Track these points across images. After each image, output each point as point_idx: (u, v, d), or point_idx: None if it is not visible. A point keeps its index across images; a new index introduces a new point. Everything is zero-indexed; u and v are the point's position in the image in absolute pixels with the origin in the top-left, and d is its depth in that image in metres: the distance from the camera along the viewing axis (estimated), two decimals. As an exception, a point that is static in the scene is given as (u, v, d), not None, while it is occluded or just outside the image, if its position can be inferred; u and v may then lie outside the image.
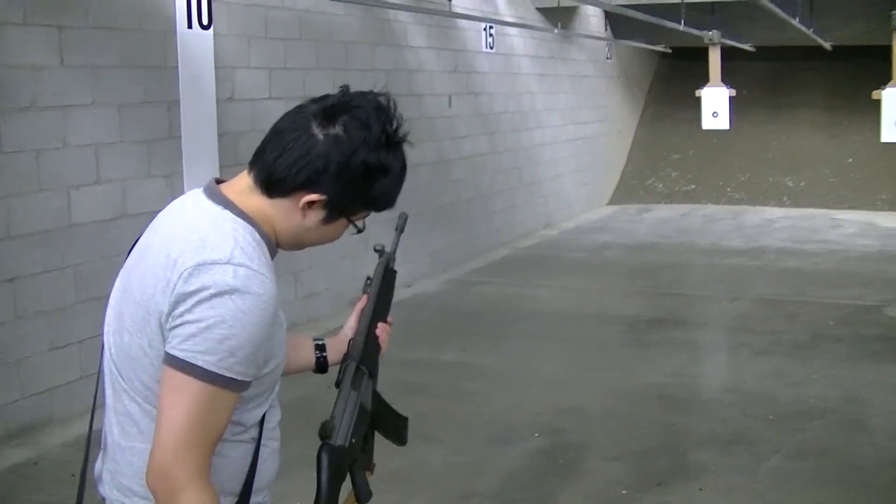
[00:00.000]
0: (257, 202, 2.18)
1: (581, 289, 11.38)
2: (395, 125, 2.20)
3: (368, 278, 2.64)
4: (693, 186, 19.05)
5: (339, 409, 2.36)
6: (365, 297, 2.61)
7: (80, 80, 6.86)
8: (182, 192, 2.20)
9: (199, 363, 2.00)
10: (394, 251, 2.71)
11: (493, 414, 7.01)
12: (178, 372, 2.01)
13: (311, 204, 2.16)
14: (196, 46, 7.84)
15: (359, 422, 2.38)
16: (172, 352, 2.02)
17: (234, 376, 2.03)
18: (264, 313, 2.05)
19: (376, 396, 2.47)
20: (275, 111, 2.29)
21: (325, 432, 2.31)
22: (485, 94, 13.22)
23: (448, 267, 12.13)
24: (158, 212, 2.27)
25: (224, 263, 2.04)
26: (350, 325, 2.61)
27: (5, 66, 6.33)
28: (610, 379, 7.84)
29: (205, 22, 7.88)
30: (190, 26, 7.76)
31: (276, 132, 2.19)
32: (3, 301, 6.41)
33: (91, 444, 2.36)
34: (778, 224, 16.11)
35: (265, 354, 2.11)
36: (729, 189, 18.81)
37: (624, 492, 5.70)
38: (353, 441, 2.34)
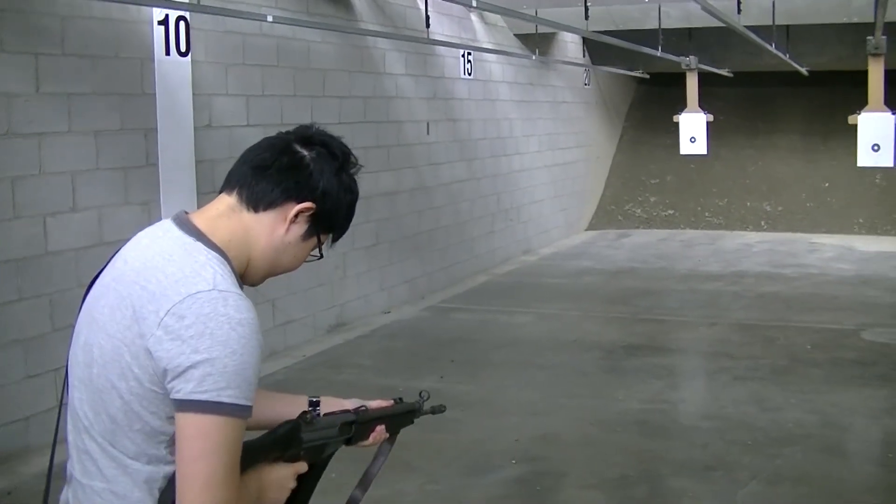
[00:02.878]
0: (238, 222, 2.22)
1: (559, 315, 11.38)
2: (353, 157, 2.35)
3: (400, 399, 2.73)
4: (671, 212, 19.11)
5: (322, 423, 2.40)
6: (391, 403, 2.69)
7: (57, 108, 6.85)
8: (159, 220, 2.20)
9: (225, 399, 2.00)
10: (420, 411, 2.79)
11: (470, 442, 6.99)
12: (206, 415, 1.99)
13: (298, 215, 2.24)
14: (174, 74, 7.84)
15: (314, 450, 2.37)
16: (194, 396, 1.99)
17: (251, 404, 2.05)
18: (258, 335, 2.07)
19: (326, 460, 2.46)
20: (252, 138, 2.33)
21: (304, 418, 2.33)
22: (463, 121, 13.25)
23: (426, 294, 12.12)
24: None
25: (209, 290, 2.04)
26: (353, 402, 2.63)
27: (-19, 94, 6.32)
28: (587, 406, 7.83)
29: (182, 49, 7.89)
30: (168, 53, 7.76)
31: (257, 150, 2.28)
32: (-22, 330, 6.38)
33: (53, 477, 2.34)
34: (756, 249, 16.17)
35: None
36: (707, 214, 18.89)
37: (602, 519, 5.69)
38: (304, 451, 2.32)
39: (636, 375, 8.66)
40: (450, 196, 12.92)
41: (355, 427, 2.51)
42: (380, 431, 2.61)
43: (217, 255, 2.14)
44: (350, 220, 2.37)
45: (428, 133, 12.20)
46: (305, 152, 2.25)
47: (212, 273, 2.08)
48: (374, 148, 10.85)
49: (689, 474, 6.33)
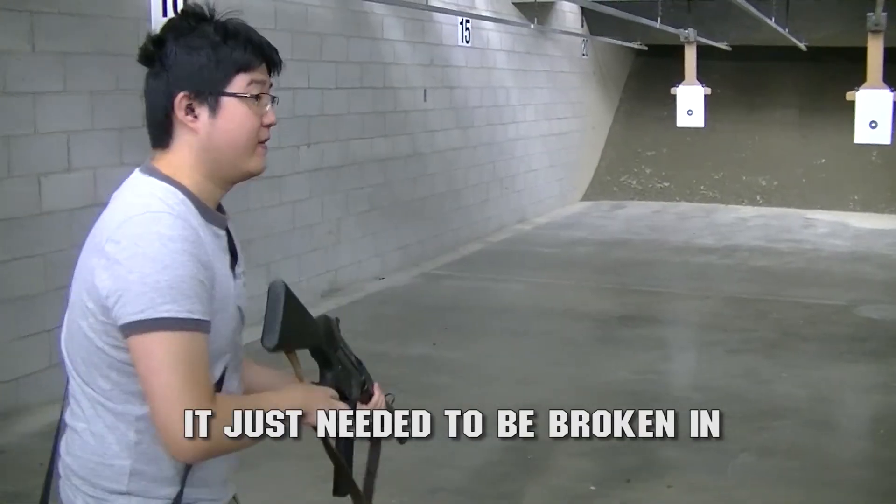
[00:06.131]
0: (177, 163, 2.20)
1: (552, 284, 11.38)
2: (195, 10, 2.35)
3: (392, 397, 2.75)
4: (666, 184, 19.09)
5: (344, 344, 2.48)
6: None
7: (52, 67, 6.81)
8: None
9: (164, 314, 2.00)
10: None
11: (460, 408, 6.97)
12: (149, 333, 2.00)
13: (189, 109, 2.18)
14: (170, 35, 7.78)
15: (344, 371, 2.48)
16: (132, 318, 2.00)
17: (198, 317, 2.04)
18: (193, 251, 2.07)
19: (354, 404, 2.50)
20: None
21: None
22: (460, 89, 13.20)
23: (419, 261, 12.11)
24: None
25: (142, 213, 2.07)
26: None
27: (-24, 50, 6.28)
28: (578, 375, 7.84)
29: (179, 10, 7.83)
30: (165, 14, 7.70)
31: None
32: (-30, 288, 6.36)
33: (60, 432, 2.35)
34: (750, 223, 16.17)
35: (209, 291, 2.11)
36: (702, 187, 18.87)
37: (592, 487, 5.71)
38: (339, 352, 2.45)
39: (627, 346, 8.67)
40: (445, 163, 12.89)
41: (365, 379, 2.56)
42: (378, 391, 2.65)
43: (165, 184, 2.15)
44: (246, 44, 2.36)
45: (425, 100, 12.15)
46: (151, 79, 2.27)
47: (148, 200, 2.10)
48: (370, 114, 10.82)
49: (679, 445, 6.33)
